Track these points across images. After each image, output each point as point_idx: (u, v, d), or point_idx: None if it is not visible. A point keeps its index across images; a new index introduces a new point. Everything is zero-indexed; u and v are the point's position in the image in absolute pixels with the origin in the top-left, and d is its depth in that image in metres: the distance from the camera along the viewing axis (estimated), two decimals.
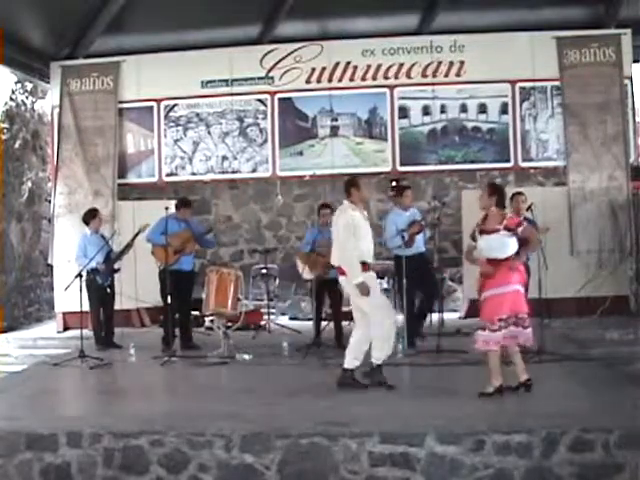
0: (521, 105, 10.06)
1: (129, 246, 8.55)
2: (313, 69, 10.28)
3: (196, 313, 9.16)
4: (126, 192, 10.70)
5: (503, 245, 5.71)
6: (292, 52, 10.28)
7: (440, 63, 10.10)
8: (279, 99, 10.40)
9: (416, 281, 7.69)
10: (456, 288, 11.04)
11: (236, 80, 10.37)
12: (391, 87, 10.24)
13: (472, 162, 10.25)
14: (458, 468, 4.74)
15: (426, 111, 10.21)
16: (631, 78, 9.93)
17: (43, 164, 10.98)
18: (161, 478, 4.92)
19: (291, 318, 10.56)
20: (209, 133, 10.53)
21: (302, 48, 10.29)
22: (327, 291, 8.28)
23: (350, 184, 6.29)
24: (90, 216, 8.78)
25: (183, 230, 8.35)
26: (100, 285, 8.42)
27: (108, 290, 8.56)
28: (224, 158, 10.53)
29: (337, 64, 10.24)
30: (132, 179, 10.62)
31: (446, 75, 10.11)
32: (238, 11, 9.98)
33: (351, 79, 10.26)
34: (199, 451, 4.89)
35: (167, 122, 10.55)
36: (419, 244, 7.90)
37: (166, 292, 8.08)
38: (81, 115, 10.39)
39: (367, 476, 4.78)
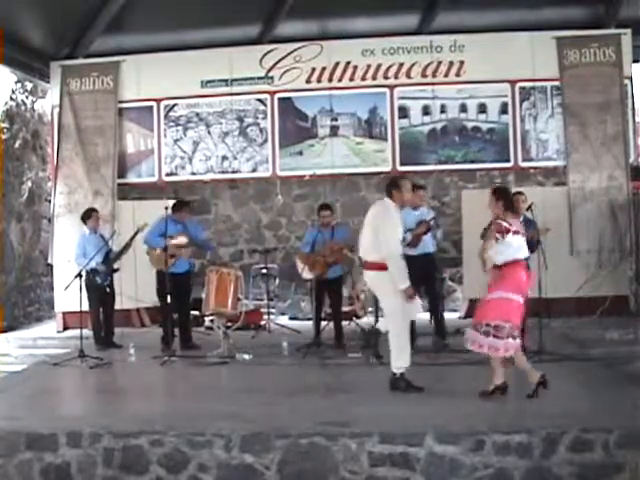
0: (521, 105, 10.06)
1: (128, 246, 8.55)
2: (313, 69, 10.28)
3: (196, 313, 9.17)
4: (126, 192, 10.69)
5: (499, 252, 5.72)
6: (292, 52, 10.28)
7: (440, 63, 10.10)
8: (279, 99, 10.40)
9: (418, 282, 7.67)
10: (456, 288, 11.03)
11: (236, 80, 10.37)
12: (391, 87, 10.24)
13: (472, 162, 10.24)
14: (458, 468, 4.74)
15: (426, 111, 10.21)
16: (631, 78, 9.93)
17: (43, 164, 10.98)
18: (161, 478, 4.92)
19: (291, 318, 10.56)
20: (209, 133, 10.53)
21: (302, 48, 10.29)
22: (327, 291, 8.29)
23: (391, 186, 6.13)
24: (86, 216, 8.78)
25: (180, 233, 8.28)
26: (99, 285, 8.42)
27: (107, 290, 8.56)
28: (224, 158, 10.53)
29: (337, 64, 10.24)
30: (132, 179, 10.61)
31: (446, 75, 10.11)
32: (238, 11, 9.98)
33: (351, 79, 10.25)
34: (199, 451, 4.89)
35: (167, 122, 10.55)
36: (426, 244, 7.80)
37: (163, 293, 8.06)
38: (81, 115, 10.39)
39: (367, 476, 4.78)
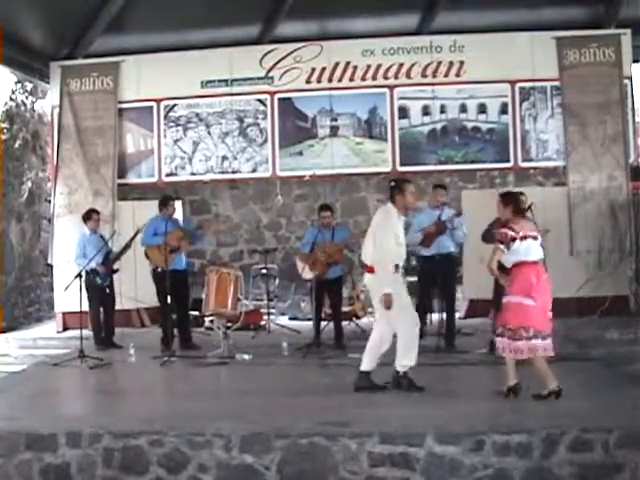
0: (521, 105, 10.06)
1: (128, 247, 8.55)
2: (313, 69, 10.27)
3: (196, 313, 9.17)
4: (126, 192, 10.69)
5: (509, 254, 5.69)
6: (292, 52, 10.27)
7: (440, 63, 10.09)
8: (279, 99, 10.39)
9: (429, 282, 7.67)
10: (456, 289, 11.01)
11: (236, 80, 10.36)
12: (391, 87, 10.24)
13: (472, 162, 10.24)
14: (458, 468, 4.74)
15: (426, 111, 10.21)
16: (631, 78, 9.92)
17: (43, 164, 10.98)
18: (161, 478, 4.92)
19: (291, 318, 10.56)
20: (209, 133, 10.53)
21: (302, 48, 10.28)
22: (327, 291, 8.29)
23: (394, 188, 6.08)
24: (86, 217, 8.79)
25: (174, 229, 8.33)
26: (99, 285, 8.42)
27: (107, 290, 8.56)
28: (224, 158, 10.53)
29: (337, 64, 10.23)
30: (132, 179, 10.61)
31: (446, 75, 10.10)
32: (238, 11, 9.98)
33: (351, 79, 10.25)
34: (199, 451, 4.89)
35: (167, 122, 10.54)
36: (443, 245, 7.70)
37: (163, 293, 8.07)
38: (81, 115, 10.38)
39: (367, 476, 4.78)
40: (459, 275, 10.57)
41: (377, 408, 5.55)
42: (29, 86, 10.65)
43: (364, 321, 9.56)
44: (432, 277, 7.70)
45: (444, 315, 7.92)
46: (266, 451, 4.85)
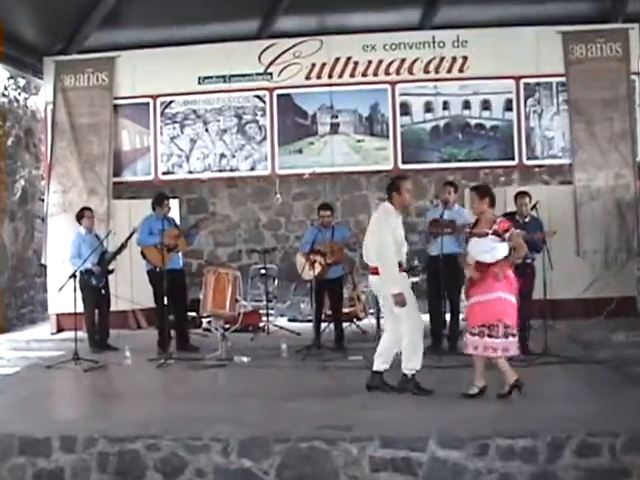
0: (526, 102, 10.06)
1: (123, 247, 8.54)
2: (313, 65, 10.26)
3: (193, 314, 9.17)
4: (121, 191, 10.69)
5: (492, 249, 5.79)
6: (291, 47, 10.27)
7: (443, 59, 10.09)
8: (278, 95, 10.39)
9: (434, 282, 7.67)
10: None
11: (234, 76, 10.36)
12: (392, 83, 10.23)
13: (475, 160, 10.23)
14: (461, 473, 4.74)
15: (428, 108, 10.21)
16: (638, 74, 9.89)
17: (36, 162, 10.97)
18: None
19: (290, 319, 10.56)
20: (206, 130, 10.53)
21: (301, 43, 10.27)
22: (327, 292, 8.30)
23: (391, 187, 6.13)
24: (80, 215, 8.80)
25: (170, 228, 8.33)
26: (94, 286, 8.42)
27: (103, 291, 8.57)
28: (222, 156, 10.52)
29: (337, 59, 10.23)
30: (127, 177, 10.60)
31: (449, 71, 10.10)
32: (236, 5, 9.98)
33: (352, 75, 10.24)
34: (196, 456, 4.89)
35: (163, 119, 10.54)
36: (446, 245, 7.50)
37: (161, 294, 8.07)
38: (75, 112, 10.38)
39: None
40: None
41: (378, 411, 5.55)
42: (22, 82, 10.64)
43: (365, 322, 9.56)
44: (437, 277, 7.69)
45: (447, 316, 7.91)
46: (265, 455, 4.85)
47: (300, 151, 10.42)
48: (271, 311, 10.22)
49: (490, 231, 5.80)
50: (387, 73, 10.21)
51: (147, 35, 10.56)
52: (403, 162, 10.22)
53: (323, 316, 8.56)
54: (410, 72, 10.18)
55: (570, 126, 9.87)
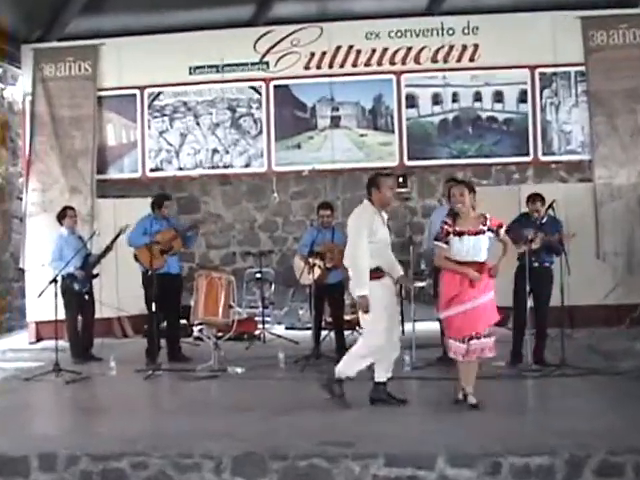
0: (541, 93, 10.08)
1: (109, 249, 8.54)
2: (312, 54, 10.29)
3: (184, 322, 9.16)
4: (106, 189, 10.71)
5: (491, 246, 5.88)
6: (289, 35, 10.30)
7: (452, 47, 10.12)
8: (275, 87, 10.42)
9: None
10: None
11: (227, 66, 10.39)
12: (398, 73, 10.26)
13: (487, 156, 10.27)
14: None
15: (436, 100, 10.23)
16: None
17: (14, 158, 10.98)
18: None
19: (288, 327, 10.57)
20: (198, 124, 10.55)
21: (300, 30, 10.30)
22: (327, 297, 8.30)
23: (370, 183, 6.18)
24: (61, 215, 8.77)
25: (166, 229, 8.34)
26: (77, 291, 8.41)
27: (86, 297, 8.55)
28: (214, 151, 10.54)
29: (338, 48, 10.26)
30: (113, 174, 10.63)
31: (458, 60, 10.13)
32: None
33: (354, 64, 10.27)
34: (186, 474, 4.88)
35: (151, 112, 10.57)
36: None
37: (151, 299, 8.06)
38: (56, 104, 10.41)
39: None
40: None
41: (382, 426, 5.55)
42: None
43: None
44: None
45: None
46: (261, 474, 4.84)
47: (298, 146, 10.45)
48: (267, 318, 10.23)
49: (485, 228, 5.87)
50: (392, 62, 10.24)
51: (134, 21, 10.59)
52: (409, 158, 10.25)
53: (323, 324, 8.57)
54: (417, 61, 10.20)
55: (590, 119, 9.89)
